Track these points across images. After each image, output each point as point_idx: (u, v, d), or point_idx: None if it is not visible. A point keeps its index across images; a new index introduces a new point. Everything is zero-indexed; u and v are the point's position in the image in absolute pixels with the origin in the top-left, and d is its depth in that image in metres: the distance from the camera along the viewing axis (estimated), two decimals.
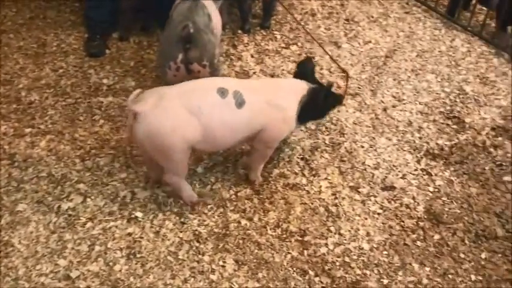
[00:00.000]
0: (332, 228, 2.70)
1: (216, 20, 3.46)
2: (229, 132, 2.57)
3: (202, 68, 3.02)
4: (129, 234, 2.64)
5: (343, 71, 3.06)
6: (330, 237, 2.65)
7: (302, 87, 2.78)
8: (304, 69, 2.91)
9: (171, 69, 3.03)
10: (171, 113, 2.43)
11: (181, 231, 2.65)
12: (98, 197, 2.81)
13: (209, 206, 2.78)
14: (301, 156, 3.13)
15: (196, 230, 2.66)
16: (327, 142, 3.24)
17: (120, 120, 3.33)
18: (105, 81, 3.66)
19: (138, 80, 3.69)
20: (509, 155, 3.18)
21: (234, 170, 3.01)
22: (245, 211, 2.76)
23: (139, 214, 2.73)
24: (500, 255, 2.61)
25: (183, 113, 2.45)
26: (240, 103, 2.56)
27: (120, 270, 2.47)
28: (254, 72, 3.82)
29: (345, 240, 2.64)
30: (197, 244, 2.59)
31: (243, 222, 2.70)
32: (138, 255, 2.54)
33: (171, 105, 2.45)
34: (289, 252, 2.57)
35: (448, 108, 3.53)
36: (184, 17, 3.08)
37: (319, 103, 2.77)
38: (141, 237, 2.62)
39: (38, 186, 2.85)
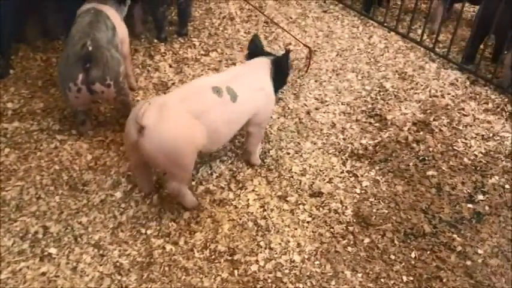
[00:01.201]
0: (262, 243, 2.60)
1: (122, 31, 3.28)
2: (231, 126, 2.69)
3: (106, 87, 2.84)
4: (43, 274, 2.41)
5: (306, 46, 3.18)
6: (260, 252, 2.56)
7: (267, 62, 2.89)
8: (255, 47, 2.97)
9: (72, 91, 2.83)
10: (177, 120, 2.43)
11: (100, 265, 2.46)
12: (5, 235, 2.55)
13: (128, 234, 2.59)
14: (228, 169, 3.01)
15: (117, 262, 2.47)
16: None
17: (28, 147, 3.07)
18: (9, 105, 3.36)
19: (48, 100, 3.43)
20: (431, 149, 3.22)
21: (156, 191, 2.84)
22: (170, 235, 2.61)
23: (53, 250, 2.50)
24: (428, 252, 2.62)
25: (188, 118, 2.47)
26: (234, 97, 2.63)
27: None
28: (173, 83, 3.66)
29: (276, 254, 2.56)
30: (119, 277, 2.41)
31: (168, 247, 2.55)
32: None
33: (176, 113, 2.44)
34: (218, 275, 2.45)
35: (370, 106, 3.55)
36: (83, 33, 2.88)
37: (283, 70, 2.94)
38: (57, 276, 2.40)
39: None
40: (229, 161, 3.06)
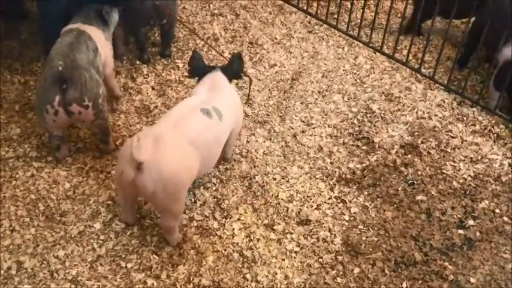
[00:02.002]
0: (248, 276, 2.49)
1: (106, 52, 3.21)
2: (220, 144, 2.70)
3: (83, 108, 2.76)
4: None
5: (247, 76, 3.21)
6: (247, 286, 2.45)
7: (221, 74, 2.88)
8: (197, 62, 2.94)
9: (49, 113, 2.74)
10: (176, 151, 2.35)
11: None
12: None
13: (107, 268, 2.47)
14: (212, 196, 2.91)
15: None
16: (237, 177, 3.05)
17: (2, 175, 2.93)
18: None
19: (25, 126, 3.30)
20: (419, 172, 3.16)
21: (138, 221, 2.72)
22: (151, 268, 2.49)
23: (27, 287, 2.36)
24: (420, 282, 2.54)
25: (185, 146, 2.39)
26: (220, 116, 2.61)
27: None
28: (155, 106, 3.57)
29: (263, 287, 2.45)
30: None
31: (150, 281, 2.43)
32: None
33: (174, 143, 2.35)
34: None
35: (357, 128, 3.48)
36: (62, 54, 2.81)
37: (236, 74, 2.99)
38: None
39: None
40: (214, 188, 2.96)
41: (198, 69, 2.92)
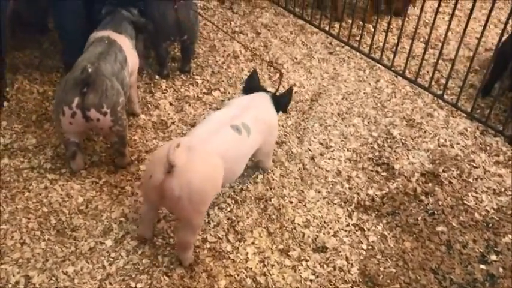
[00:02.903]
0: None
1: (133, 60, 3.21)
2: (245, 160, 2.73)
3: (102, 115, 2.72)
4: None
5: (277, 69, 3.26)
6: None
7: (267, 96, 2.96)
8: (253, 82, 3.03)
9: (65, 115, 2.71)
10: (206, 164, 2.36)
11: None
12: None
13: (117, 287, 2.40)
14: (226, 217, 2.84)
15: None
16: (253, 198, 2.99)
17: (16, 186, 2.90)
18: (0, 140, 3.21)
19: (40, 136, 3.28)
20: (440, 202, 3.07)
21: (150, 240, 2.66)
22: None
23: None
24: None
25: (215, 160, 2.41)
26: (248, 132, 2.65)
27: None
28: (173, 122, 3.53)
29: None
30: None
31: None
32: None
33: (204, 156, 2.36)
34: None
35: (377, 154, 3.40)
36: (88, 61, 2.79)
37: (282, 106, 3.04)
38: None
39: None
40: (228, 209, 2.90)
41: (251, 88, 2.99)
